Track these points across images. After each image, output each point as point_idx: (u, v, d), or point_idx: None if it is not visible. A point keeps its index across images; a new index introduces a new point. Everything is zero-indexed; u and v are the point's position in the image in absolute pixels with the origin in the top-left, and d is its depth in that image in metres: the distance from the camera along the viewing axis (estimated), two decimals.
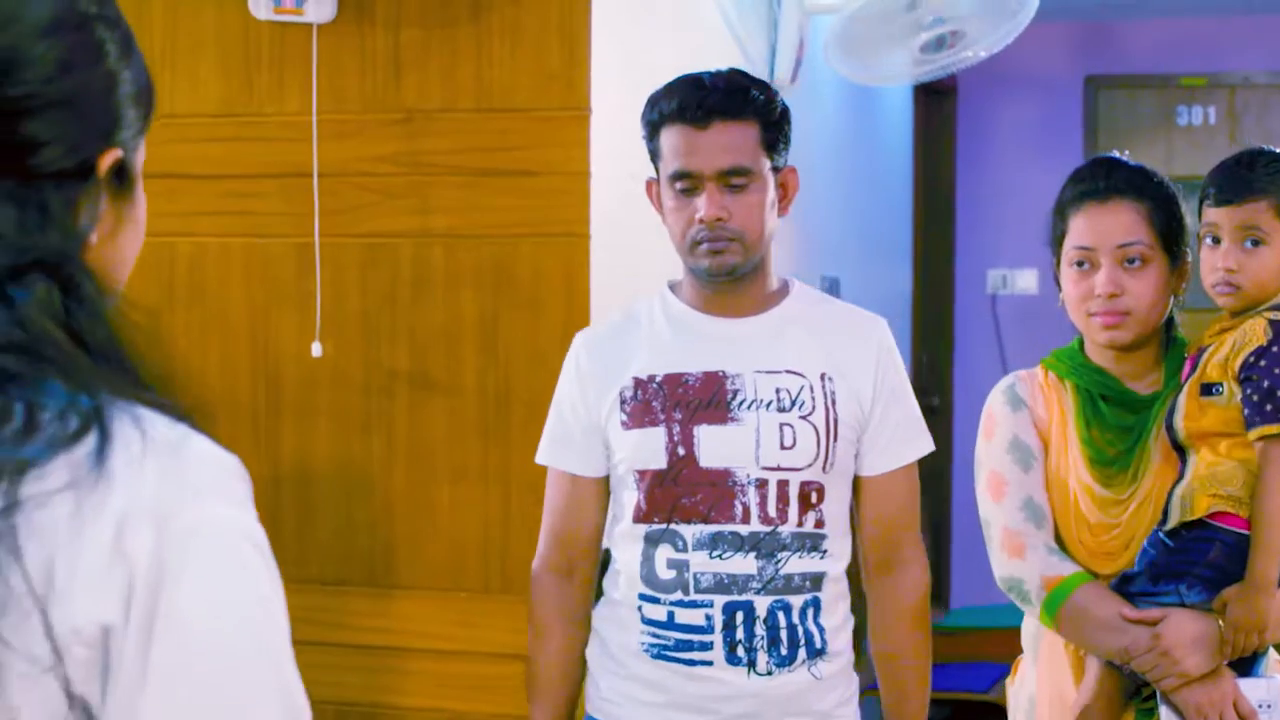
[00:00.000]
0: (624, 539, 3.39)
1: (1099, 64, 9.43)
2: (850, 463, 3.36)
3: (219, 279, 4.54)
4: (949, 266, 9.41)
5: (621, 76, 4.40)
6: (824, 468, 3.30)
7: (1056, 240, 3.47)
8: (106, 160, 1.52)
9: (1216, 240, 3.29)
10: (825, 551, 3.32)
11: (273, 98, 4.48)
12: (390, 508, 4.42)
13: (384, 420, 4.42)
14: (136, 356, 1.51)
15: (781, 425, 3.29)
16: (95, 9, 1.55)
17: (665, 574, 3.31)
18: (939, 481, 8.71)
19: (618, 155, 4.35)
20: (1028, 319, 9.11)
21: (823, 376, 3.32)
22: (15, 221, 1.43)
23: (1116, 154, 3.49)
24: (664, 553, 3.32)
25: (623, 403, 3.35)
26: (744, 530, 3.27)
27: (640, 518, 3.34)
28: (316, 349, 4.39)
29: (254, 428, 4.51)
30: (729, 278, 3.32)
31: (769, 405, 3.29)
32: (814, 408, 3.30)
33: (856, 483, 3.41)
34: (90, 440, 1.38)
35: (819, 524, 3.31)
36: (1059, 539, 3.37)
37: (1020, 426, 3.43)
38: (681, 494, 3.30)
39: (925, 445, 3.45)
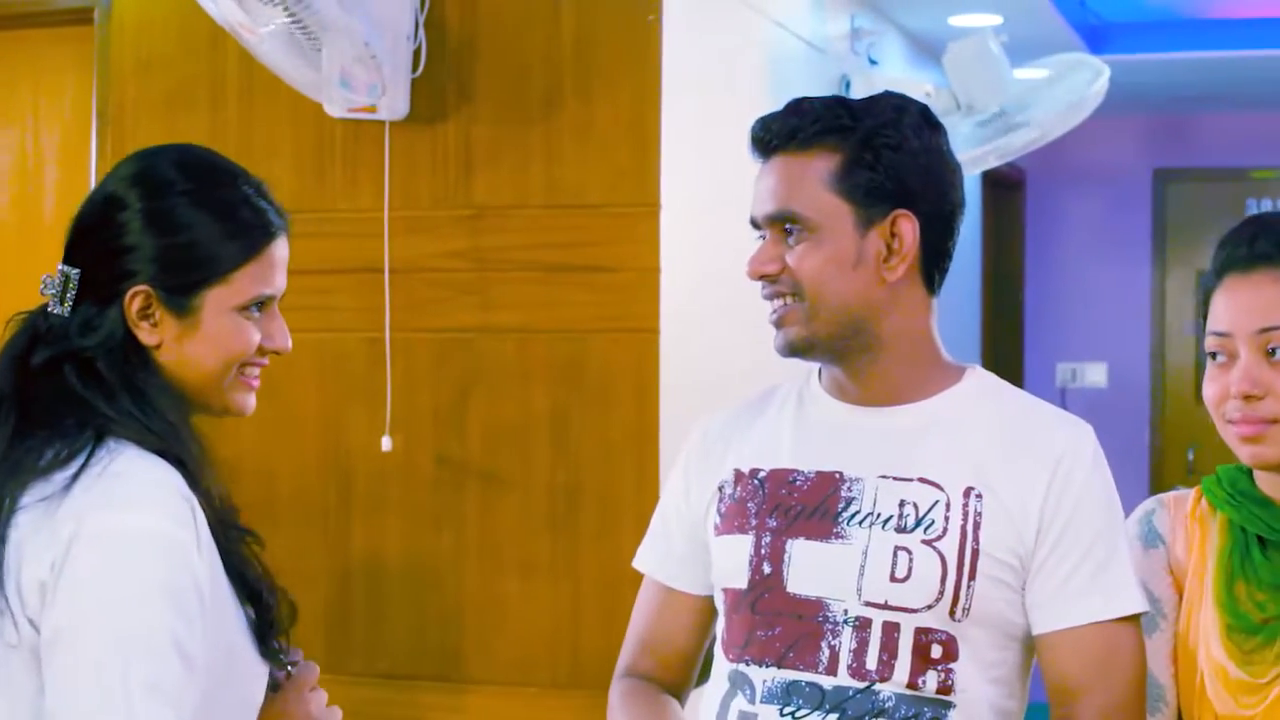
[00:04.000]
0: (714, 677, 2.62)
1: (1167, 157, 9.43)
2: (1008, 613, 2.49)
3: (290, 373, 4.56)
4: (1018, 360, 9.39)
5: (691, 173, 4.42)
6: (952, 613, 2.44)
7: (1202, 323, 2.60)
8: (129, 294, 2.25)
9: None
10: None
11: (345, 194, 4.52)
12: (461, 602, 4.42)
13: (454, 515, 4.43)
14: (156, 413, 2.23)
15: (896, 549, 2.46)
16: (129, 196, 2.28)
17: None
18: None
19: (688, 251, 4.36)
20: (1098, 413, 9.03)
21: (968, 492, 2.47)
22: (61, 328, 2.26)
23: None
24: (737, 703, 2.54)
25: (720, 500, 2.63)
26: (827, 683, 2.46)
27: (724, 650, 2.59)
28: (386, 443, 4.41)
29: (325, 522, 4.52)
30: (805, 357, 2.58)
31: (886, 522, 2.48)
32: (945, 531, 2.46)
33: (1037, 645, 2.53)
34: (74, 468, 2.15)
35: (945, 689, 2.45)
36: None
37: (1151, 572, 2.59)
38: (758, 625, 2.52)
39: (1128, 600, 2.48)
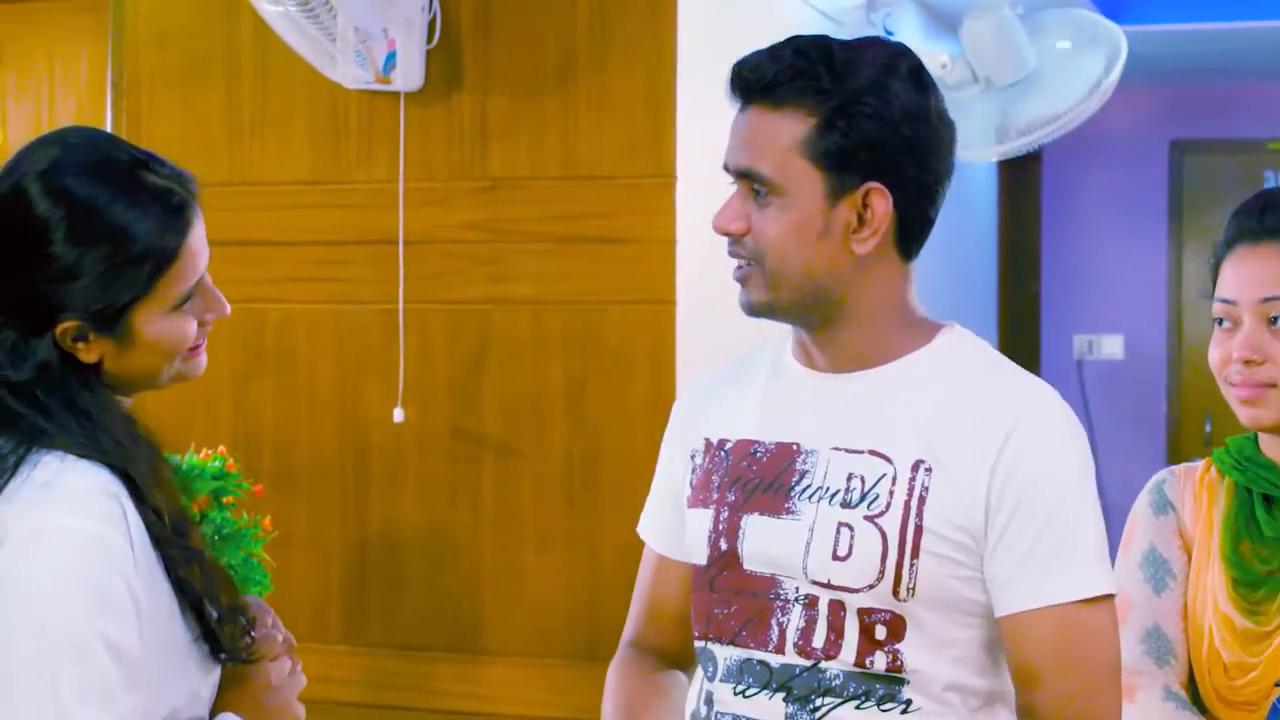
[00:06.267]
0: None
1: (1184, 129, 9.40)
2: (962, 591, 2.34)
3: (306, 345, 4.56)
4: (1034, 332, 9.37)
5: (707, 143, 4.41)
6: (896, 592, 2.31)
7: (1212, 290, 2.75)
8: (59, 329, 2.16)
9: None
10: (908, 705, 2.34)
11: (360, 165, 4.51)
12: (477, 574, 4.42)
13: (470, 486, 4.43)
14: (103, 431, 2.16)
15: (840, 526, 2.33)
16: (53, 219, 2.15)
17: (700, 709, 2.48)
18: None
19: (704, 222, 4.33)
20: (1114, 385, 9.05)
21: (916, 465, 2.33)
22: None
23: None
24: (702, 682, 2.48)
25: (692, 471, 2.54)
26: (775, 661, 2.38)
27: (693, 627, 2.52)
28: (399, 414, 4.41)
29: (341, 493, 4.52)
30: (768, 318, 2.45)
31: (834, 496, 2.35)
32: (888, 507, 2.32)
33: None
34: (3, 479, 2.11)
35: (895, 668, 2.33)
36: (1192, 685, 2.65)
37: (1161, 536, 2.69)
38: (716, 602, 2.44)
39: (1087, 582, 2.31)
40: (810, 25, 5.35)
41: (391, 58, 4.31)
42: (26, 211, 2.16)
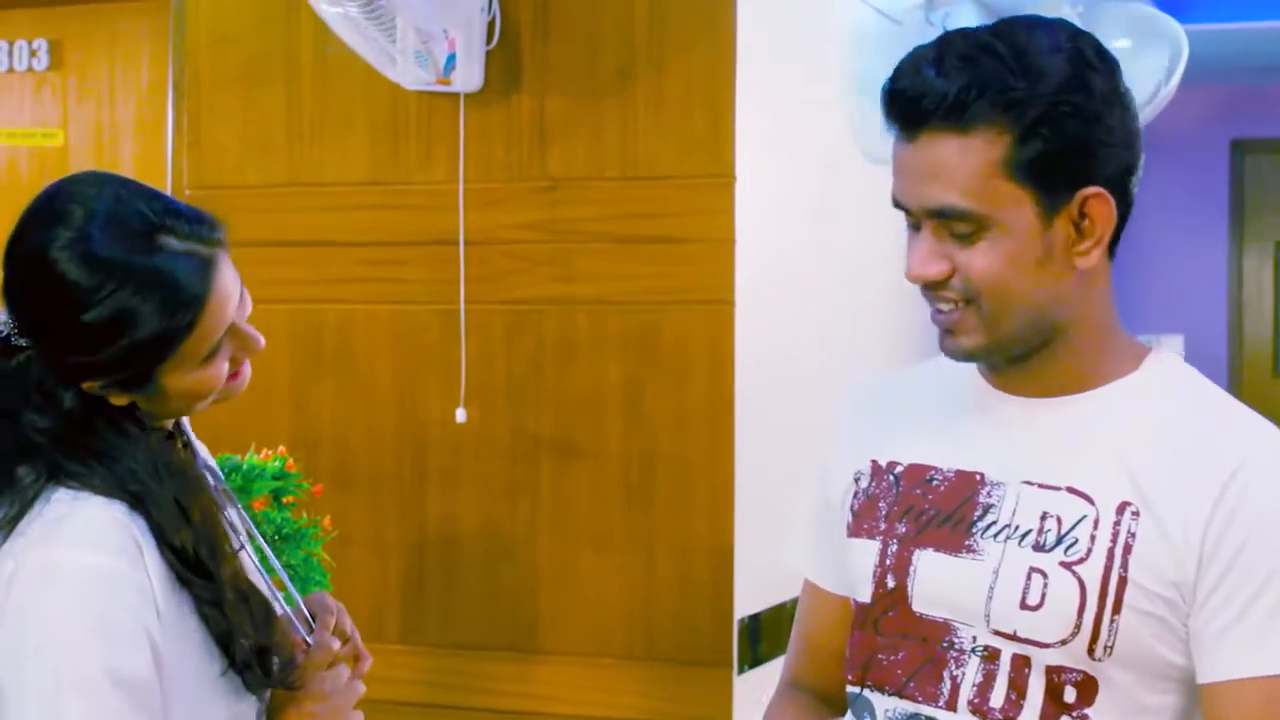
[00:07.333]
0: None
1: (1245, 128, 9.36)
2: (1163, 653, 2.08)
3: (365, 345, 4.57)
4: None
5: (766, 143, 4.41)
6: (1091, 650, 2.05)
7: None
8: (86, 385, 2.18)
9: None
10: None
11: (420, 166, 4.52)
12: (534, 574, 4.42)
13: (528, 486, 4.43)
14: (126, 472, 2.16)
15: (1031, 571, 2.08)
16: (90, 287, 2.14)
17: None
18: None
19: (763, 222, 4.35)
20: None
21: (1122, 508, 2.07)
22: (20, 372, 2.20)
23: None
24: None
25: (855, 495, 2.29)
26: (944, 719, 2.13)
27: (847, 668, 2.29)
28: (460, 415, 4.41)
29: (399, 493, 4.53)
30: (983, 362, 2.20)
31: (1024, 537, 2.10)
32: (1090, 552, 2.06)
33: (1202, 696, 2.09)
34: (15, 513, 2.12)
35: None
36: None
37: None
38: (880, 647, 2.21)
39: None
40: (868, 24, 5.33)
41: (452, 59, 4.31)
42: (56, 281, 2.14)
